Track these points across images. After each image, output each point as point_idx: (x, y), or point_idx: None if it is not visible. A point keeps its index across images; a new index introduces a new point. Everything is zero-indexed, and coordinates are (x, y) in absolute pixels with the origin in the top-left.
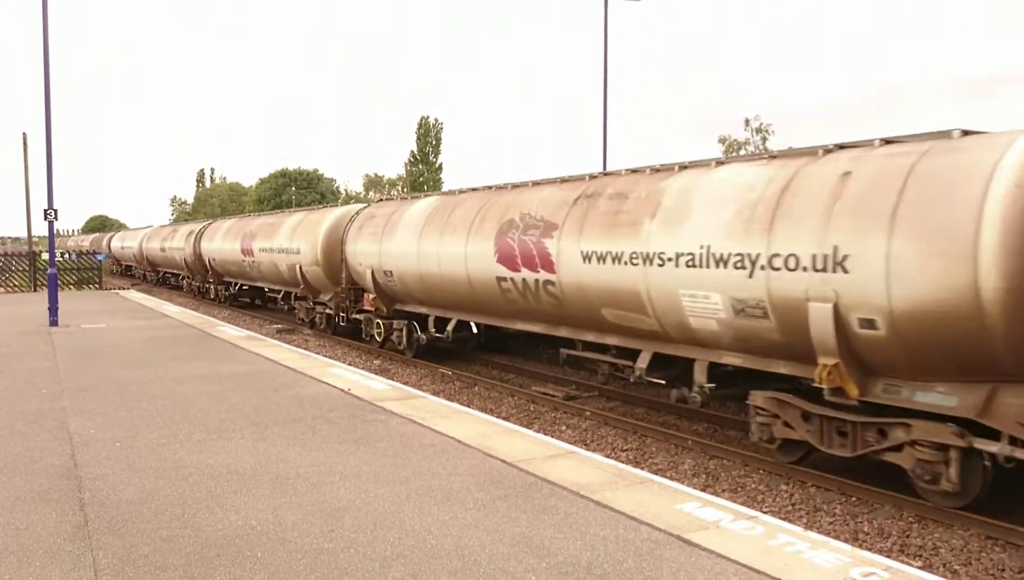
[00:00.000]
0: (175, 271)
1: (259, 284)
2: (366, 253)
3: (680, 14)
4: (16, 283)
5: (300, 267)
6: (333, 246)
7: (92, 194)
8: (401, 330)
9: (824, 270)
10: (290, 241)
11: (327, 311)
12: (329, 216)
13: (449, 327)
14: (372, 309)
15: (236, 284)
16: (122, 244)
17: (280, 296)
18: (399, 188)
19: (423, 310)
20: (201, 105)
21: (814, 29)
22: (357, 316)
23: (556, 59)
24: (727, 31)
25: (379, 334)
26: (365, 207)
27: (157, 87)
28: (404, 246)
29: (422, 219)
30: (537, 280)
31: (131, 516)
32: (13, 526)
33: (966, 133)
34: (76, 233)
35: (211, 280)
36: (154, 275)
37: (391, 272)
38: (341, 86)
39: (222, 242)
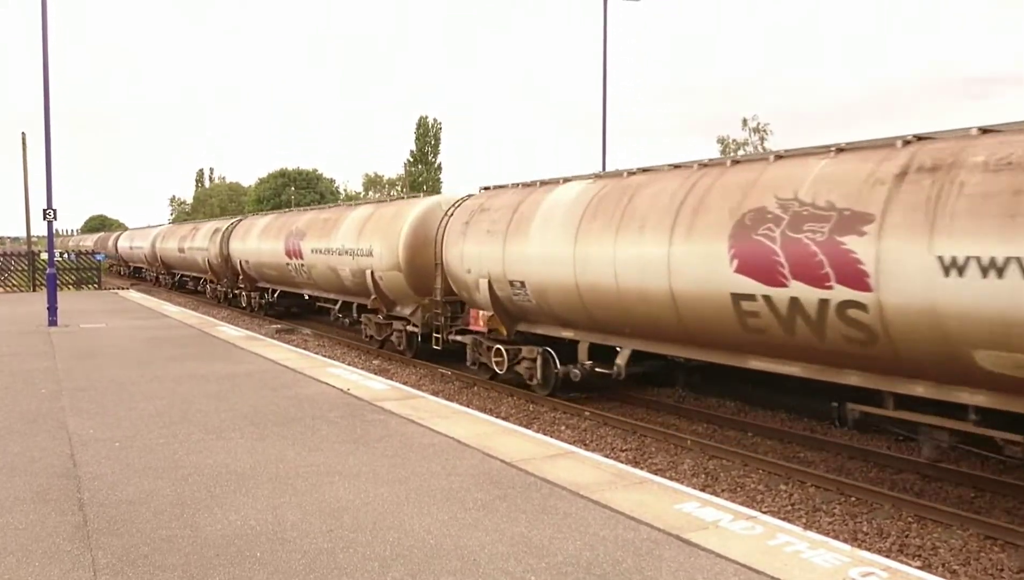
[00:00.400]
0: (196, 274)
1: (308, 292)
2: (479, 257)
3: (680, 13)
4: (15, 283)
5: (372, 273)
6: (421, 246)
7: (91, 194)
8: (534, 360)
9: None
10: (357, 240)
11: (409, 329)
12: (415, 208)
13: (620, 361)
14: (485, 330)
15: (273, 291)
16: (131, 244)
17: (337, 307)
18: (399, 188)
19: (568, 334)
20: (200, 105)
21: (813, 29)
22: (458, 338)
23: (556, 59)
24: (727, 30)
25: (499, 364)
26: (469, 197)
27: (156, 86)
28: (549, 248)
29: (577, 210)
30: (826, 301)
31: (130, 516)
32: (12, 526)
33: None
34: (75, 233)
35: (242, 285)
36: (169, 278)
37: (522, 282)
38: (340, 86)
39: (259, 241)
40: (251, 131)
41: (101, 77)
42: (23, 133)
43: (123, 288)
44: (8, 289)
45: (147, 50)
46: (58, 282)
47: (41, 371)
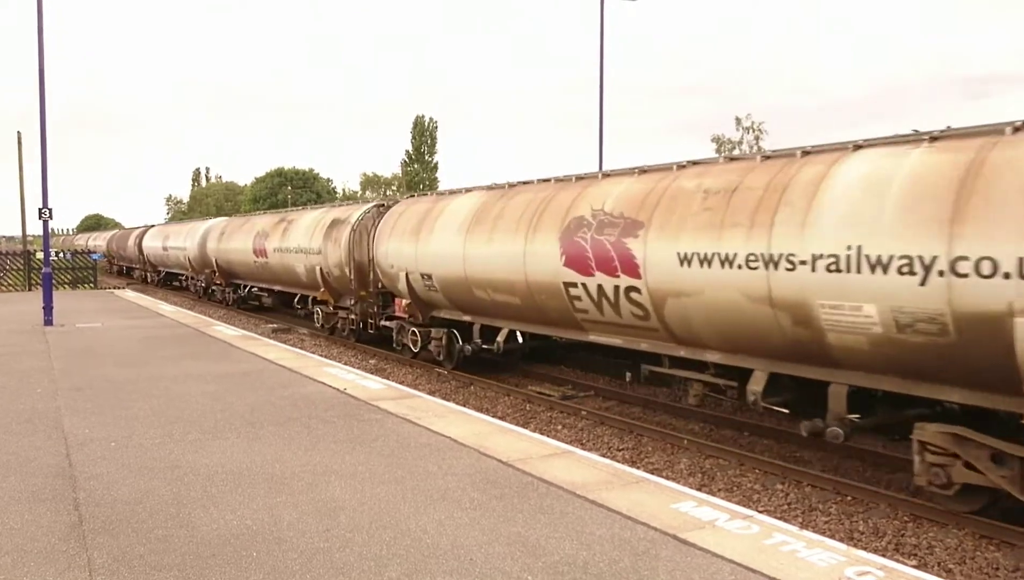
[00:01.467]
0: (296, 290)
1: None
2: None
3: (679, 13)
4: (11, 282)
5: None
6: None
7: (87, 193)
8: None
9: None
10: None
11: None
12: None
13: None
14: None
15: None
16: (166, 244)
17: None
18: (395, 187)
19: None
20: (198, 104)
21: (813, 28)
22: (387, 323)
23: (555, 58)
24: (726, 30)
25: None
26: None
27: (153, 85)
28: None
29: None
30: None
31: (126, 516)
32: (7, 526)
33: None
34: (71, 232)
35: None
36: (231, 292)
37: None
38: (338, 85)
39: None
40: (247, 130)
41: (98, 76)
42: (18, 132)
43: (119, 288)
44: (3, 289)
45: (145, 49)
46: (54, 282)
47: (36, 371)
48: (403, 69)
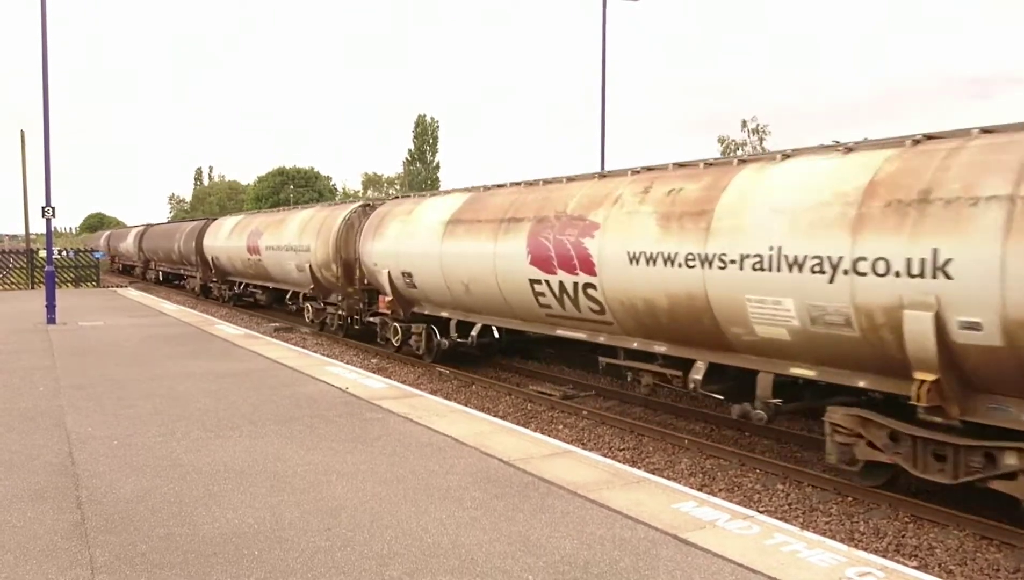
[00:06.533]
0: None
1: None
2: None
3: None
4: (14, 281)
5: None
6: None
7: (89, 192)
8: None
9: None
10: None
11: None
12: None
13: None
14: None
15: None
16: (260, 241)
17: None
18: (398, 187)
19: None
20: (199, 103)
21: (813, 28)
22: (372, 319)
23: (555, 58)
24: (727, 29)
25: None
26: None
27: (154, 84)
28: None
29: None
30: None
31: (128, 514)
32: (10, 524)
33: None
34: (74, 231)
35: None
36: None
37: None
38: (339, 85)
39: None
40: (249, 129)
41: (98, 75)
42: (22, 131)
43: (122, 286)
44: (7, 287)
45: (145, 48)
46: (57, 280)
47: (39, 369)
48: (402, 70)
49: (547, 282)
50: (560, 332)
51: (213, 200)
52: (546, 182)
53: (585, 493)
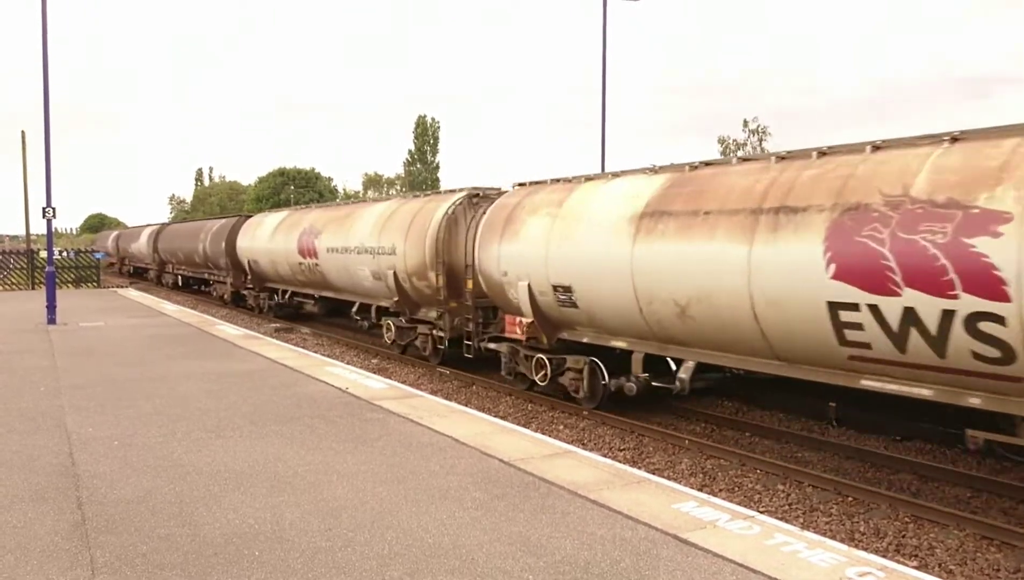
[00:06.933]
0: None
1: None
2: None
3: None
4: (14, 281)
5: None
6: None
7: (89, 192)
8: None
9: None
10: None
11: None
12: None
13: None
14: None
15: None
16: (327, 246)
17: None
18: (398, 187)
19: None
20: (199, 103)
21: (812, 28)
22: (492, 346)
23: (555, 58)
24: (727, 29)
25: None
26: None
27: (154, 84)
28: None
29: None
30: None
31: (129, 515)
32: (11, 524)
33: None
34: (74, 232)
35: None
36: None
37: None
38: (339, 85)
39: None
40: (250, 130)
41: (99, 74)
42: (23, 131)
43: (122, 286)
44: (7, 287)
45: (145, 48)
46: (57, 280)
47: (40, 369)
48: (402, 70)
49: (873, 308)
50: (869, 383)
51: (214, 200)
52: (825, 153)
53: (586, 493)
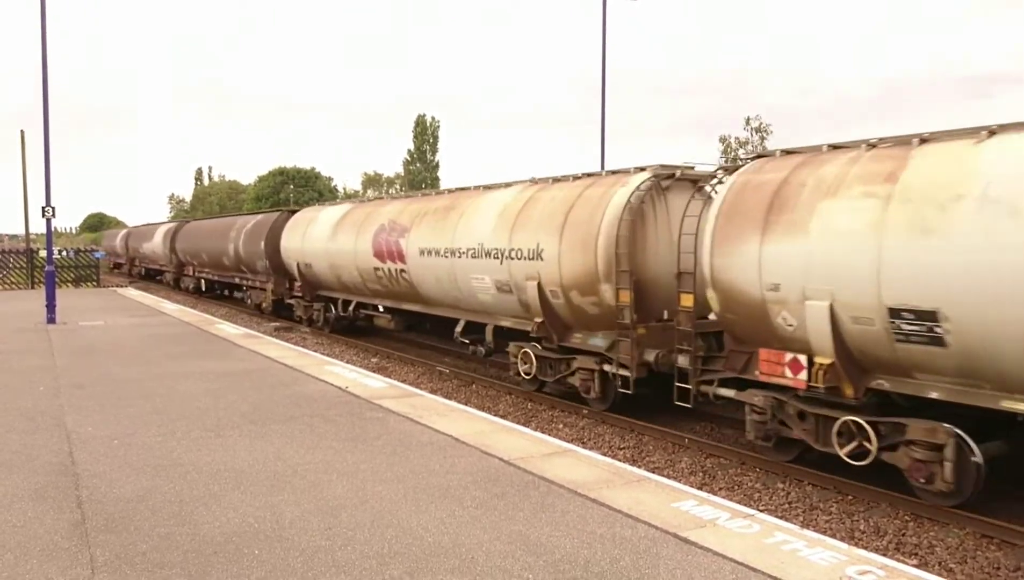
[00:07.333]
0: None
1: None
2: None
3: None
4: (14, 280)
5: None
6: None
7: (89, 192)
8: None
9: None
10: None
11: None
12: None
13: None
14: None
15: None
16: (420, 247)
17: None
18: (398, 186)
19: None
20: (199, 103)
21: (812, 28)
22: (725, 392)
23: (555, 58)
24: (728, 28)
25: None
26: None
27: (155, 84)
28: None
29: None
30: (400, 269)
31: (128, 514)
32: (10, 523)
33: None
34: (74, 231)
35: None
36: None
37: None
38: (339, 85)
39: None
40: (249, 129)
41: (99, 74)
42: (22, 131)
43: (122, 286)
44: (7, 287)
45: (146, 47)
46: (57, 280)
47: (40, 369)
48: (402, 70)
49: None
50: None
51: (213, 200)
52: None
53: (585, 492)
